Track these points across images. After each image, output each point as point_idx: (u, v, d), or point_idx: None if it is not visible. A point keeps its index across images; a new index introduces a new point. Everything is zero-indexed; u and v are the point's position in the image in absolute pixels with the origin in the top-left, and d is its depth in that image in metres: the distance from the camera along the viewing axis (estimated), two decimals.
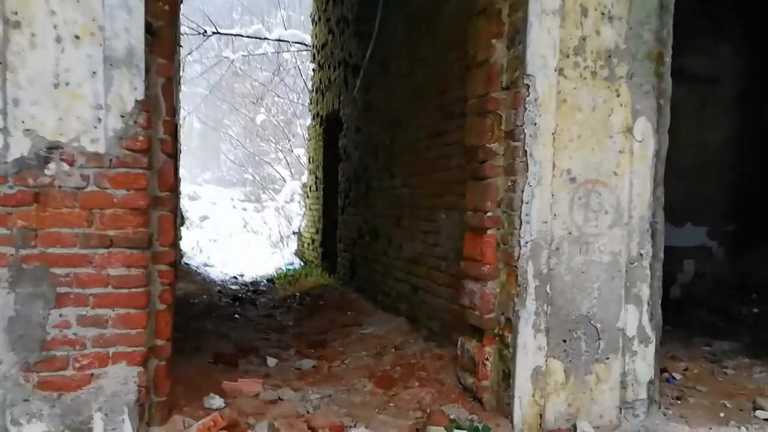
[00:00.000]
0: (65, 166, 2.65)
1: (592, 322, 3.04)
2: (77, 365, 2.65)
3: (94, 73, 2.67)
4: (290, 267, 10.06)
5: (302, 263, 10.15)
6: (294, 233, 11.29)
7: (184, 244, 10.17)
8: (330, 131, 8.73)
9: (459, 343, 3.39)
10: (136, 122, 2.72)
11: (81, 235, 2.66)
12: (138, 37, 2.70)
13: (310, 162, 10.41)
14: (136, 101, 2.71)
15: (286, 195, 14.58)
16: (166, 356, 2.87)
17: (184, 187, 22.14)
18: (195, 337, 4.54)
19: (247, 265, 10.97)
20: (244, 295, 7.41)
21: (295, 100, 16.49)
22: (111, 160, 2.69)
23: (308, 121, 10.64)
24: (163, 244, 2.86)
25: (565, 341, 3.02)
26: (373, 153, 6.19)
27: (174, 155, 3.05)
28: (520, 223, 2.96)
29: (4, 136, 2.59)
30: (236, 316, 5.90)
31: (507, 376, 3.03)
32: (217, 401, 3.11)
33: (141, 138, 2.71)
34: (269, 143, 18.94)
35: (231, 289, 7.90)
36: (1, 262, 2.58)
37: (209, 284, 8.18)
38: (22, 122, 2.61)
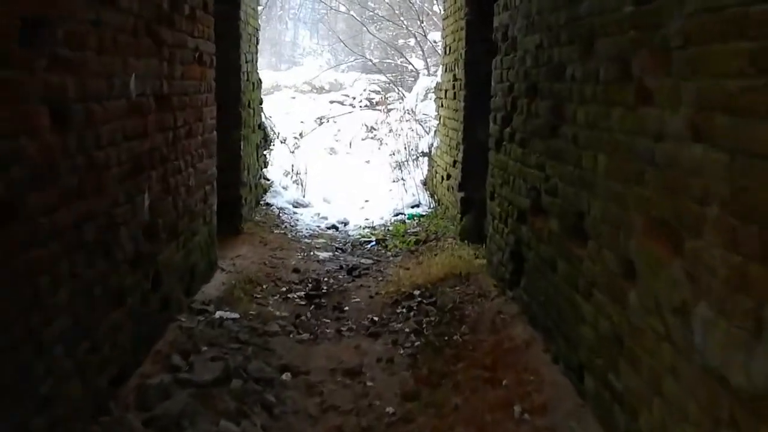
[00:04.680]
0: None
1: None
2: None
3: None
4: (414, 211, 7.07)
5: (432, 201, 7.12)
6: (423, 154, 8.14)
7: (271, 173, 7.48)
8: (479, 3, 5.29)
9: None
10: None
11: None
12: None
13: (446, 52, 6.99)
14: None
15: (418, 95, 11.28)
16: None
17: (328, 76, 19.35)
18: None
19: (358, 200, 8.22)
20: (330, 284, 4.56)
21: None
22: None
23: None
24: None
25: None
26: (578, 41, 2.78)
27: None
28: None
29: None
30: (285, 377, 3.00)
31: None
32: None
33: None
34: (402, 26, 15.46)
35: (315, 265, 5.04)
36: None
37: (287, 247, 5.42)
38: None
